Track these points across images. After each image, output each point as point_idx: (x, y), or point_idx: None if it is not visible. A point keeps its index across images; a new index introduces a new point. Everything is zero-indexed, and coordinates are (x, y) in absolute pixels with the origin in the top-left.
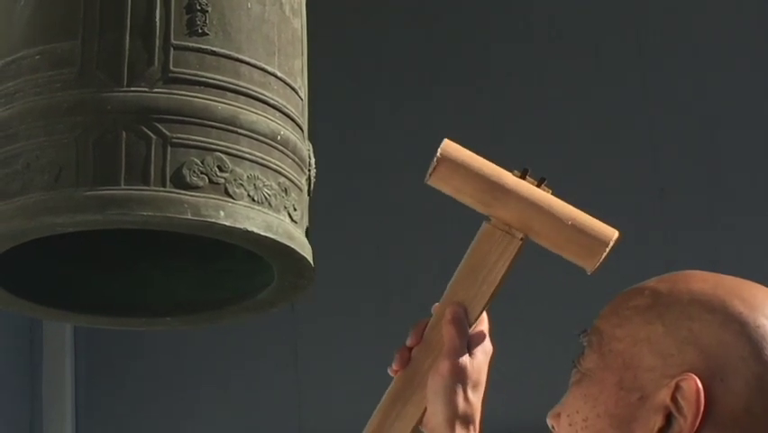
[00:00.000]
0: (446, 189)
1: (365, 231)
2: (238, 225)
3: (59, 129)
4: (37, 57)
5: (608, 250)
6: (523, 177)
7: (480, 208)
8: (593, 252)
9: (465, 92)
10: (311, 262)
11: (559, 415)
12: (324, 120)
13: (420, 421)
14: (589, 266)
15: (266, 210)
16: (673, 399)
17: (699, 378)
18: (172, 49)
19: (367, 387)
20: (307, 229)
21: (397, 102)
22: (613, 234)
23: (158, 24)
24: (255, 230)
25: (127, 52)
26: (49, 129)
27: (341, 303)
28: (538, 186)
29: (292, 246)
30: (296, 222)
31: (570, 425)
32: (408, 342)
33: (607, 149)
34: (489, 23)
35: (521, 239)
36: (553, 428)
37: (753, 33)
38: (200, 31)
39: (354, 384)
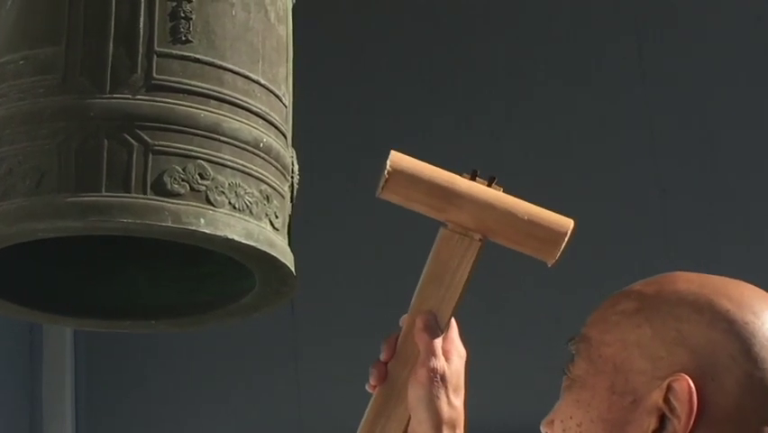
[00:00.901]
0: (398, 200)
1: (365, 231)
2: (218, 233)
3: (41, 135)
4: (21, 62)
5: (566, 240)
6: (473, 178)
7: (434, 215)
8: (552, 243)
9: (463, 93)
10: (292, 269)
11: (552, 422)
12: (325, 120)
13: None
14: (550, 259)
15: (247, 218)
16: (666, 400)
17: (691, 378)
18: (155, 56)
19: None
20: (290, 236)
21: (397, 102)
22: (569, 223)
23: (141, 31)
24: (236, 238)
25: (110, 59)
26: (31, 134)
27: (340, 304)
28: (489, 185)
29: (273, 254)
30: (277, 229)
31: (563, 431)
32: (382, 357)
33: (607, 149)
34: (488, 24)
35: (480, 240)
36: None
37: (753, 34)
38: (184, 38)
39: (354, 385)
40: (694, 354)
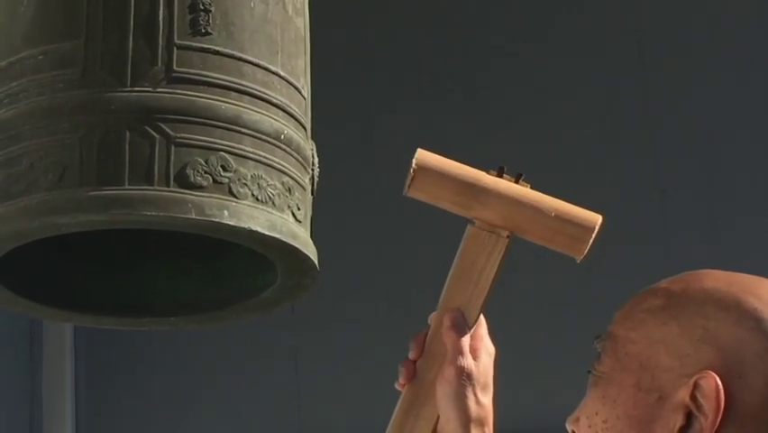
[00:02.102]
0: (425, 198)
1: (365, 231)
2: (242, 225)
3: (62, 129)
4: (40, 57)
5: (593, 235)
6: (500, 175)
7: (461, 212)
8: (580, 239)
9: (465, 92)
10: (315, 261)
11: (578, 420)
12: (325, 119)
13: (434, 432)
14: (578, 254)
15: (270, 210)
16: (693, 397)
17: (718, 375)
18: (175, 48)
19: (366, 388)
20: (312, 228)
21: (398, 101)
22: (597, 218)
23: (161, 24)
24: (259, 229)
25: (130, 52)
26: (52, 129)
27: (340, 304)
28: (516, 182)
29: (296, 246)
30: (300, 221)
31: (589, 427)
32: (411, 355)
33: (607, 149)
34: (490, 23)
35: (507, 237)
36: None
37: (753, 34)
38: (203, 30)
39: (354, 385)
40: (721, 351)
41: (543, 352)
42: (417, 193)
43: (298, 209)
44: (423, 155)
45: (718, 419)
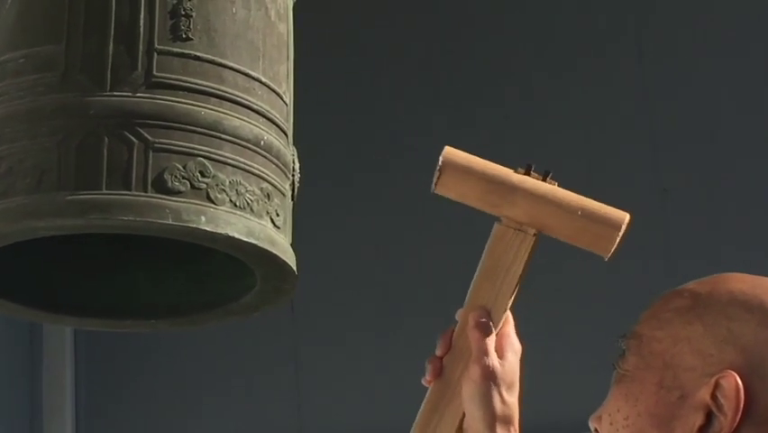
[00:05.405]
0: (453, 196)
1: (365, 231)
2: (219, 231)
3: (41, 133)
4: (21, 60)
5: (620, 234)
6: (527, 173)
7: (488, 210)
8: (607, 238)
9: (465, 92)
10: (293, 267)
11: (600, 417)
12: (325, 119)
13: (460, 429)
14: (605, 253)
15: (248, 216)
16: (713, 397)
17: (739, 376)
18: (156, 53)
19: (367, 388)
20: (292, 234)
21: (398, 101)
22: (624, 217)
23: (141, 29)
24: (236, 235)
25: (110, 57)
26: (32, 133)
27: (340, 303)
28: (543, 180)
29: (274, 252)
30: (278, 227)
31: (611, 424)
32: (438, 351)
33: (607, 149)
34: (490, 23)
35: (534, 235)
36: (595, 431)
37: (753, 33)
38: (184, 36)
39: (354, 384)
40: (743, 352)
41: (545, 351)
42: (445, 190)
43: (277, 215)
44: (450, 153)
45: (737, 419)
